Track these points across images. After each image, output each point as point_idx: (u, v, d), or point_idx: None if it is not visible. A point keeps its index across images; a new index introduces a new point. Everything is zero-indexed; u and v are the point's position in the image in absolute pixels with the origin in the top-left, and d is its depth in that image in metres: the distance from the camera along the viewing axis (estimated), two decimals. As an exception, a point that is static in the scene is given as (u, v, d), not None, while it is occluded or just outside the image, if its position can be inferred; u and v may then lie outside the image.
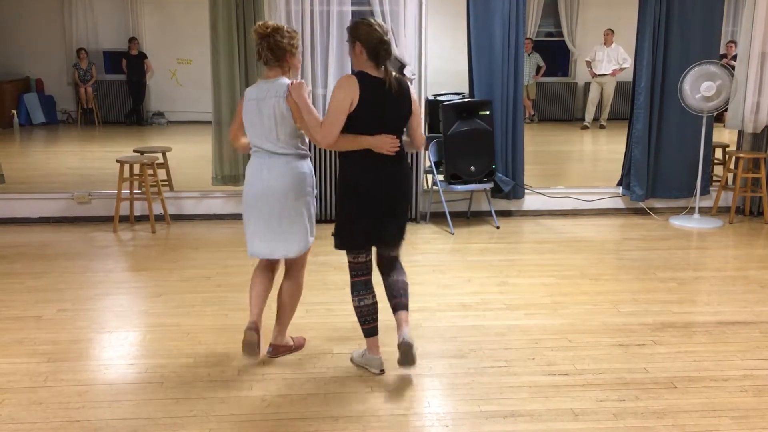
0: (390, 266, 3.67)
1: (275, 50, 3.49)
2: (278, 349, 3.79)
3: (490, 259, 5.59)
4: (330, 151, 6.38)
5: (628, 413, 3.23)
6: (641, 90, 6.70)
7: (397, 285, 3.61)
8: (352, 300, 3.56)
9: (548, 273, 5.21)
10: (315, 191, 3.69)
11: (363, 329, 3.58)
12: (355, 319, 3.60)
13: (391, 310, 3.59)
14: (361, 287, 3.55)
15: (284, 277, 3.78)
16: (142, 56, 13.39)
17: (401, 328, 3.50)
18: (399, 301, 3.58)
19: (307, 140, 3.63)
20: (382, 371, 3.58)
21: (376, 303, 3.58)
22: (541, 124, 13.71)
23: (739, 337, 4.08)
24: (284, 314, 3.77)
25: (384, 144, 3.40)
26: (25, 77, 13.33)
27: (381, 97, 3.39)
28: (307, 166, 3.63)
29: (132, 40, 13.29)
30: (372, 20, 3.44)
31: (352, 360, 3.73)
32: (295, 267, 3.76)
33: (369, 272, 3.60)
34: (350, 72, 3.59)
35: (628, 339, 4.04)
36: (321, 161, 6.44)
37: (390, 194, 3.52)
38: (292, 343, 3.86)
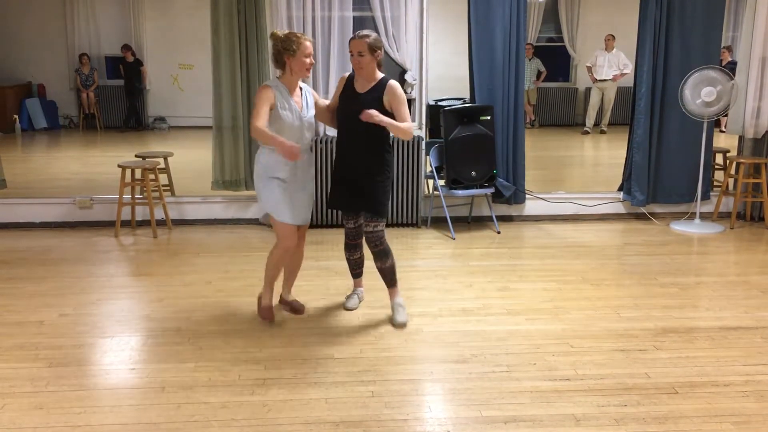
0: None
1: (276, 55, 4.04)
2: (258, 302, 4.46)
3: (492, 264, 5.60)
4: (324, 153, 6.38)
5: (630, 419, 3.23)
6: (642, 95, 6.71)
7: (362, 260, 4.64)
8: (386, 261, 4.30)
9: (549, 278, 5.21)
10: (266, 178, 4.09)
11: (396, 279, 4.43)
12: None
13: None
14: (389, 248, 4.35)
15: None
16: (138, 63, 13.38)
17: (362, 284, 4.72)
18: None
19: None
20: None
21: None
22: (542, 129, 13.73)
23: (741, 343, 4.08)
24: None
25: (292, 153, 4.02)
26: (27, 82, 13.37)
27: None
28: (261, 155, 4.12)
29: (126, 47, 13.22)
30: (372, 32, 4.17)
31: (396, 323, 4.30)
32: None
33: None
34: (344, 78, 4.27)
35: (630, 344, 4.04)
36: (316, 162, 6.45)
37: None
38: (262, 304, 4.36)
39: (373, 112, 3.91)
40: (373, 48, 4.04)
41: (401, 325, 4.25)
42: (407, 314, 4.35)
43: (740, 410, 3.31)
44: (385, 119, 3.95)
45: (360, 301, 4.62)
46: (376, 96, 4.08)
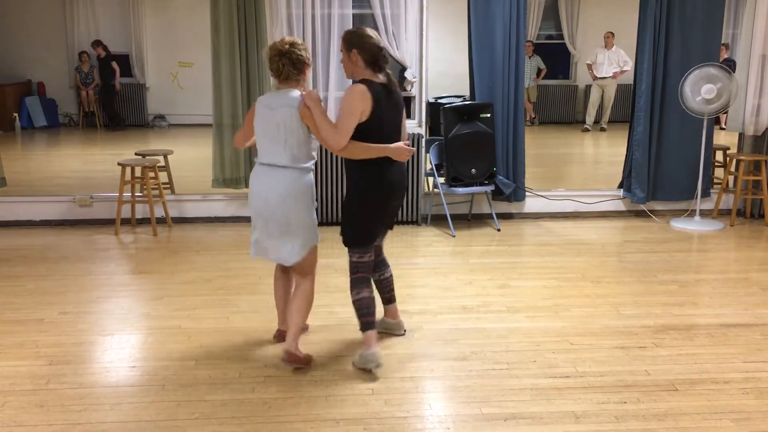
0: (380, 255, 3.99)
1: (297, 64, 3.60)
2: (291, 356, 3.66)
3: (491, 261, 5.60)
4: (335, 157, 6.39)
5: (630, 416, 3.24)
6: (642, 93, 6.71)
7: (389, 280, 4.05)
8: (351, 294, 3.69)
9: (549, 275, 5.21)
10: (315, 204, 3.75)
11: (361, 322, 3.68)
12: (355, 321, 3.72)
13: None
14: (363, 282, 3.69)
15: (294, 284, 3.84)
16: (109, 58, 13.07)
17: (398, 316, 4.12)
18: (392, 295, 4.09)
19: (314, 152, 3.70)
20: (379, 365, 3.61)
21: (374, 297, 3.72)
22: (541, 126, 13.73)
23: (741, 340, 4.08)
24: (291, 320, 3.74)
25: (403, 152, 3.61)
26: (27, 80, 13.35)
27: (388, 104, 3.56)
28: (309, 179, 3.68)
29: (96, 42, 12.97)
30: (365, 29, 3.60)
31: (353, 364, 3.74)
32: (300, 273, 3.75)
33: (371, 270, 3.79)
34: (347, 78, 3.75)
35: (630, 341, 4.04)
36: (324, 166, 6.45)
37: (402, 189, 3.78)
38: (302, 355, 3.73)
39: (306, 95, 3.51)
40: (348, 45, 3.51)
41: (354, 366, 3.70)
42: (358, 364, 3.66)
43: (740, 407, 3.32)
44: (312, 109, 3.48)
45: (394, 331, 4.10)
46: None
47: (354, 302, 3.68)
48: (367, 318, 3.66)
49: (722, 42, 11.64)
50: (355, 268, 3.70)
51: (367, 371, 3.62)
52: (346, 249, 3.73)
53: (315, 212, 3.76)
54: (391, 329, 4.10)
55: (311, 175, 3.70)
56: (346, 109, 3.45)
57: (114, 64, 13.13)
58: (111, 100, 13.32)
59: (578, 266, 5.44)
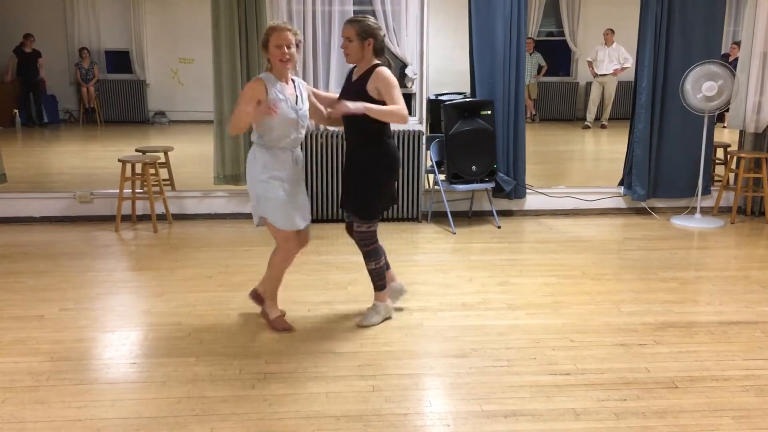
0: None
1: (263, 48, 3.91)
2: (257, 297, 4.27)
3: (492, 258, 5.60)
4: (330, 154, 6.38)
5: (630, 413, 3.24)
6: (642, 90, 6.71)
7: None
8: (376, 262, 4.11)
9: (550, 273, 5.21)
10: (268, 175, 3.96)
11: (381, 284, 4.17)
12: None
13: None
14: (380, 251, 4.13)
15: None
16: (36, 54, 12.83)
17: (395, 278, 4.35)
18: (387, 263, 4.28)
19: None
20: (390, 317, 4.24)
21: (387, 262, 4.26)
22: (542, 123, 13.73)
23: (741, 337, 4.08)
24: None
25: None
26: (27, 76, 13.35)
27: None
28: (260, 154, 4.01)
29: (27, 36, 12.74)
30: (369, 18, 3.97)
31: (360, 324, 4.15)
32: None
33: None
34: (349, 69, 4.03)
35: (630, 339, 4.04)
36: (319, 164, 6.45)
37: None
38: (274, 315, 4.17)
39: (345, 103, 3.71)
40: (364, 34, 3.83)
41: (361, 326, 4.15)
42: (377, 319, 4.18)
43: (740, 405, 3.32)
44: (359, 105, 3.71)
45: (400, 294, 4.40)
46: (362, 84, 3.86)
47: (373, 270, 4.12)
48: (383, 281, 4.19)
49: (735, 41, 11.62)
50: (371, 238, 4.07)
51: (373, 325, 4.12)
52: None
53: (273, 191, 3.90)
54: (397, 293, 4.38)
55: (262, 151, 3.95)
56: (396, 89, 3.83)
57: (41, 61, 12.86)
58: (37, 98, 13.05)
59: (578, 263, 5.44)
